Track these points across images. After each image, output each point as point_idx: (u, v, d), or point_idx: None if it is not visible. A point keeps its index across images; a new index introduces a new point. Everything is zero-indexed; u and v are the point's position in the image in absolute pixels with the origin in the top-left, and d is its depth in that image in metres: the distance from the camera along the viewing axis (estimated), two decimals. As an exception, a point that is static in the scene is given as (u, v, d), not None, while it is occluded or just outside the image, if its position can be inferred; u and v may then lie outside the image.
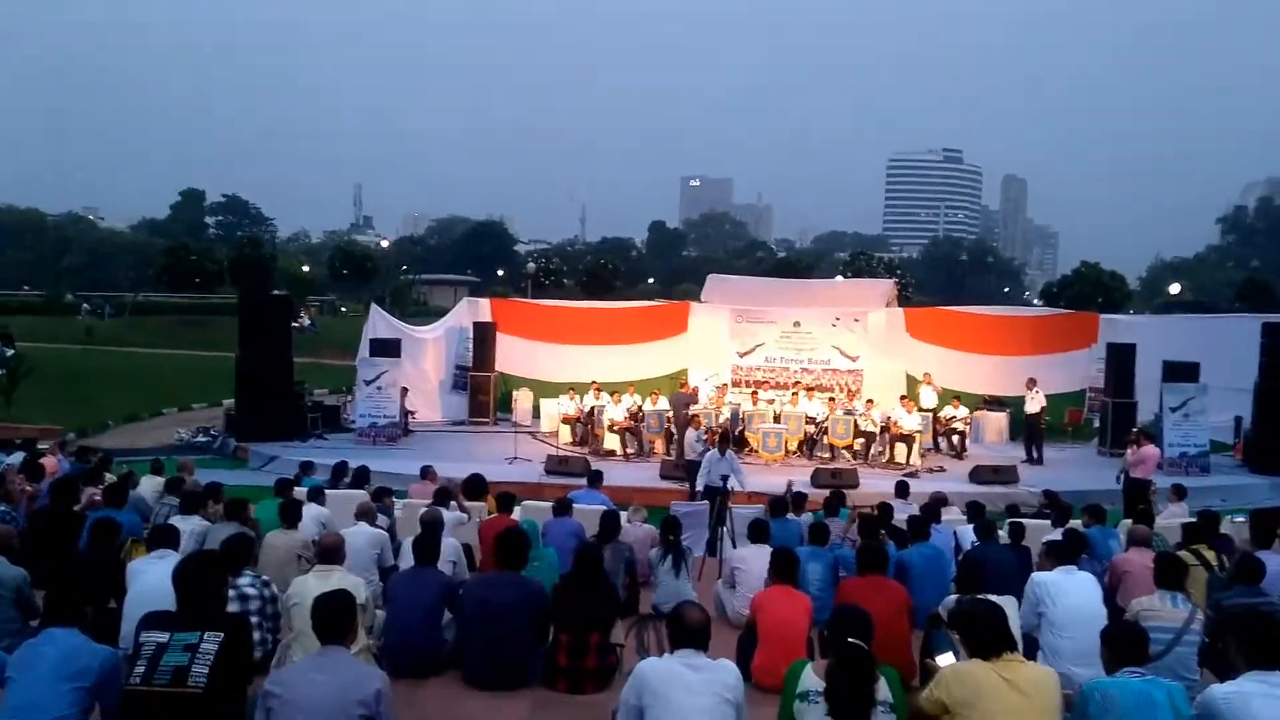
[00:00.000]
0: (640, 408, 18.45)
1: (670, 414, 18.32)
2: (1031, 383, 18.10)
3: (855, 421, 17.52)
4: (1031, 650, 5.88)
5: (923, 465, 16.64)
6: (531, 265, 60.00)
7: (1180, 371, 17.22)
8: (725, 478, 11.09)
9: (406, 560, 6.85)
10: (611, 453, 17.41)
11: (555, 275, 67.08)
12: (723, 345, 21.21)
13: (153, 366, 33.11)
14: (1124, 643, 4.36)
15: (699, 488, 12.34)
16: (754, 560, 7.43)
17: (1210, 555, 7.60)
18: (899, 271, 65.34)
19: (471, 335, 21.11)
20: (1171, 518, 10.42)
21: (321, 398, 22.38)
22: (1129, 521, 9.25)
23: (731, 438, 13.67)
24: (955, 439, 18.22)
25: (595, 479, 11.23)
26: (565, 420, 18.64)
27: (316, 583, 5.73)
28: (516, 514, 9.35)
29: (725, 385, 19.67)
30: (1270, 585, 6.35)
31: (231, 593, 5.70)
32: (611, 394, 18.12)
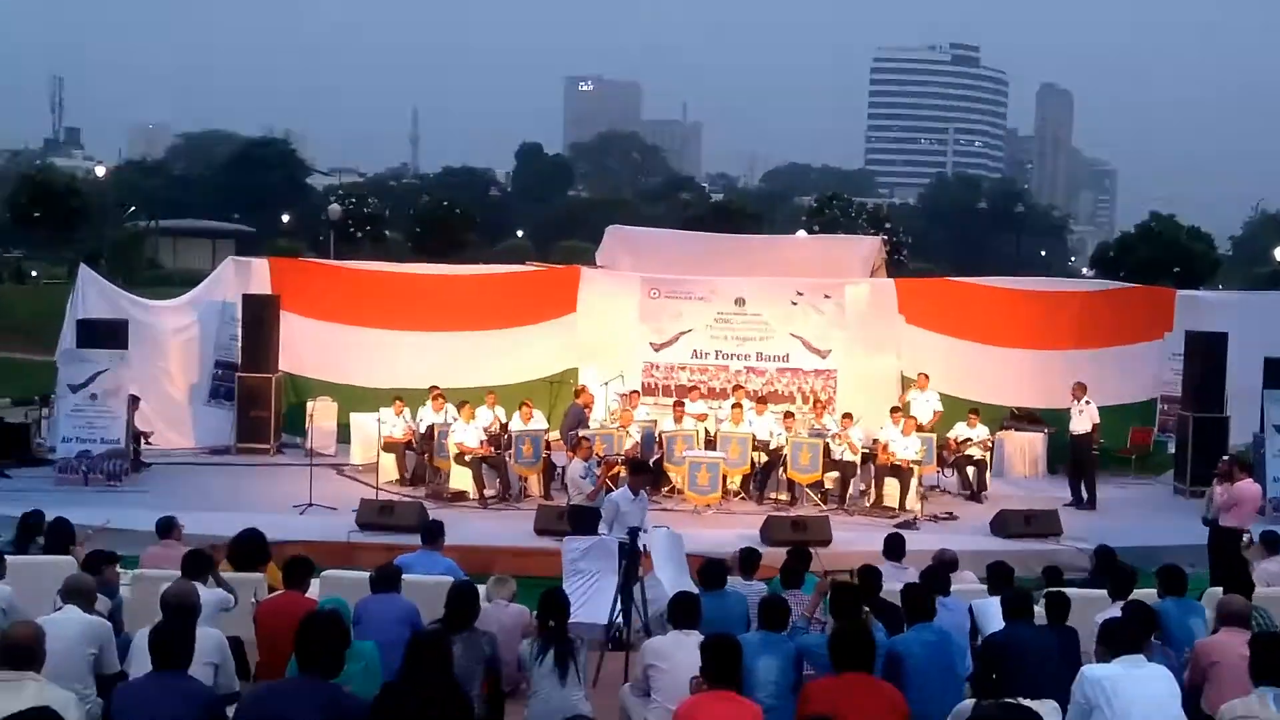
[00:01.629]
0: (504, 426, 18.39)
1: (550, 437, 18.28)
2: (1080, 390, 18.78)
3: (826, 446, 17.84)
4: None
5: (924, 511, 17.08)
6: (335, 207, 58.49)
7: (1290, 373, 18.14)
8: (636, 531, 11.17)
9: (140, 663, 6.71)
10: (461, 495, 17.36)
11: (372, 223, 66.34)
12: (629, 332, 21.38)
13: None
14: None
15: None
16: (677, 653, 7.50)
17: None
18: (888, 225, 66.69)
19: (241, 315, 20.75)
20: (1274, 581, 10.95)
21: (-1, 412, 21.76)
22: (1218, 591, 9.69)
23: (645, 470, 13.77)
24: (970, 472, 18.77)
25: (435, 535, 11.15)
26: (389, 446, 18.47)
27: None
28: (314, 591, 9.26)
29: (633, 393, 19.82)
30: None
31: None
32: (460, 406, 18.04)
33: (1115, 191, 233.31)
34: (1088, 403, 18.54)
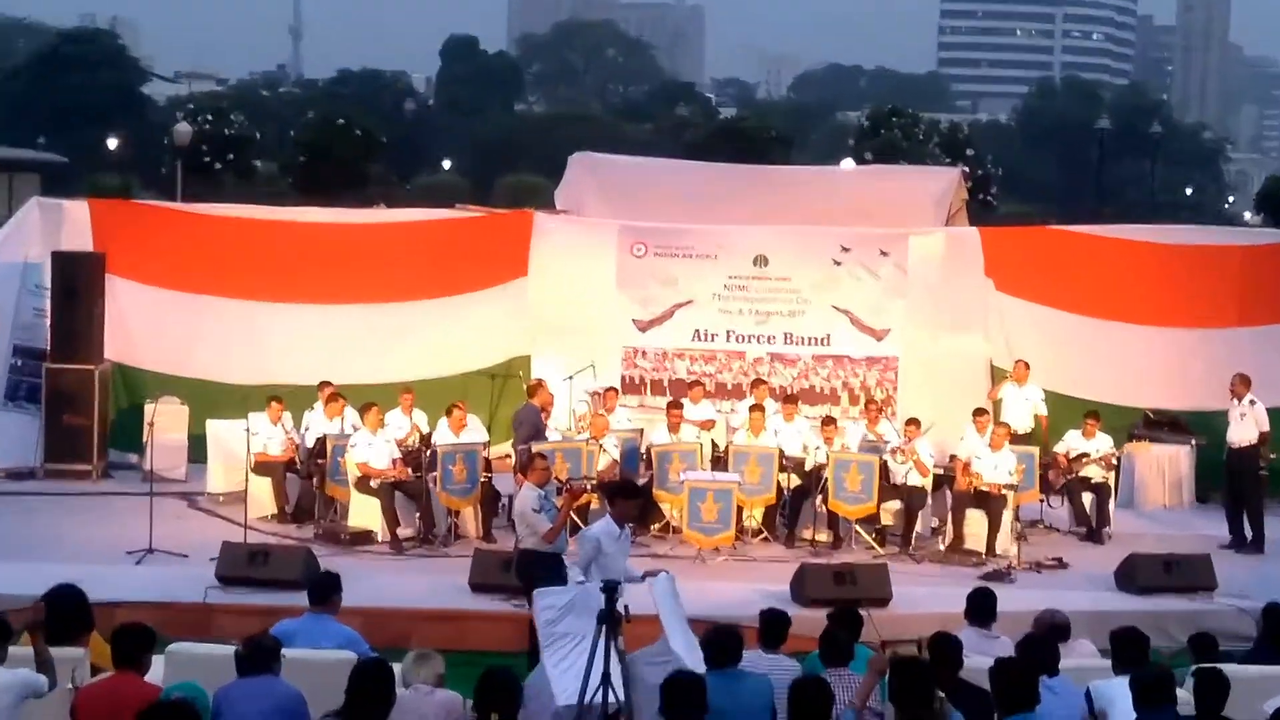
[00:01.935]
0: (427, 439, 18.42)
1: (492, 454, 18.27)
2: (1243, 385, 18.81)
3: (883, 465, 17.90)
4: None
5: (1022, 556, 17.08)
6: (184, 128, 58.28)
7: None
8: (614, 586, 11.15)
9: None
10: (366, 536, 17.35)
11: (237, 150, 66.01)
12: (603, 305, 21.49)
13: None
14: None
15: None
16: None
17: None
18: (970, 152, 66.51)
19: (49, 282, 20.71)
20: None
21: None
22: None
23: (636, 495, 13.71)
24: (1087, 500, 18.82)
25: (328, 593, 11.11)
26: (263, 467, 18.42)
27: None
28: (156, 672, 9.24)
29: (609, 391, 19.81)
30: None
31: None
32: (364, 410, 18.01)
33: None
34: (1253, 403, 18.53)
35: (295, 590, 12.82)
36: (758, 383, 20.04)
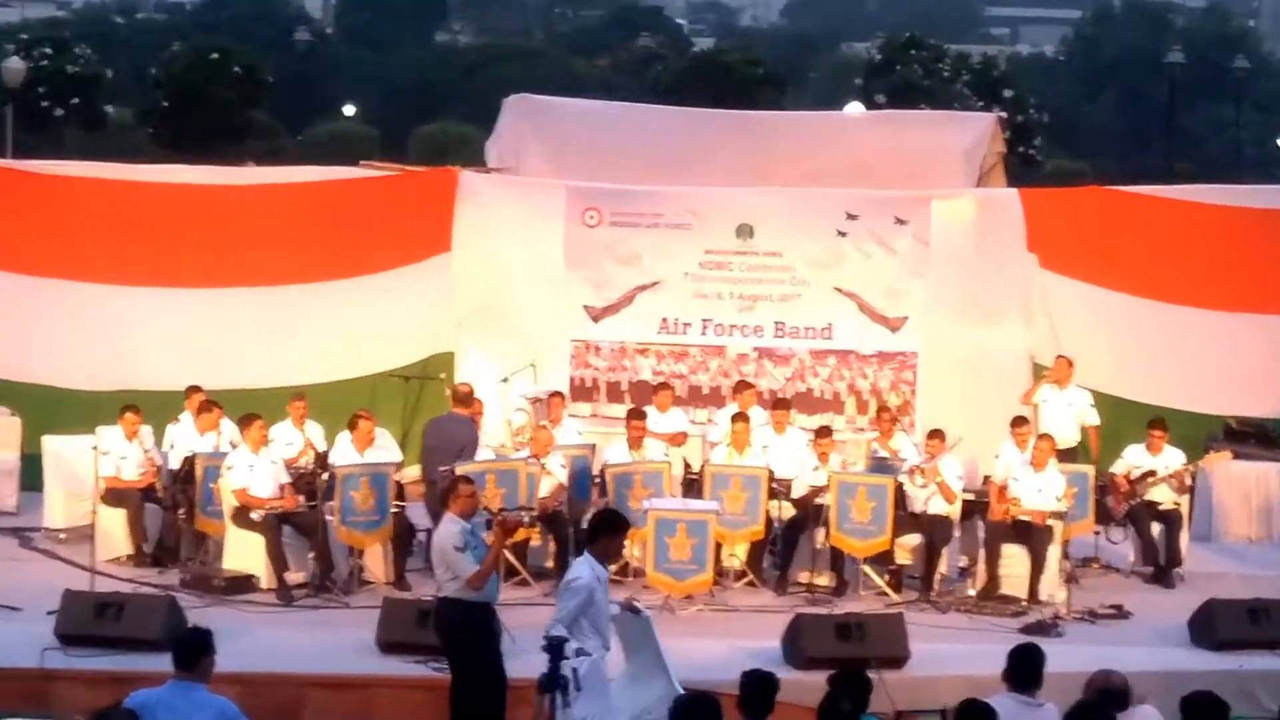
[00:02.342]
0: (323, 458, 18.47)
1: (406, 476, 18.26)
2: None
3: (899, 489, 17.95)
4: None
5: (1072, 604, 17.14)
6: (16, 64, 58.23)
7: None
8: (559, 647, 11.17)
9: None
10: (245, 582, 17.31)
11: (83, 93, 65.68)
12: (546, 288, 21.56)
13: None
14: None
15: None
16: None
17: None
18: (1008, 94, 66.52)
19: None
20: None
21: None
22: None
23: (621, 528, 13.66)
24: (1155, 531, 18.81)
25: (198, 655, 11.06)
26: (113, 495, 18.39)
27: None
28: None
29: (554, 397, 19.79)
30: None
31: None
32: (244, 423, 17.98)
33: None
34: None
35: (156, 651, 12.81)
36: (742, 386, 20.11)
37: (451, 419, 18.44)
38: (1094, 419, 19.71)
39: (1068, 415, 19.54)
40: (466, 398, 18.91)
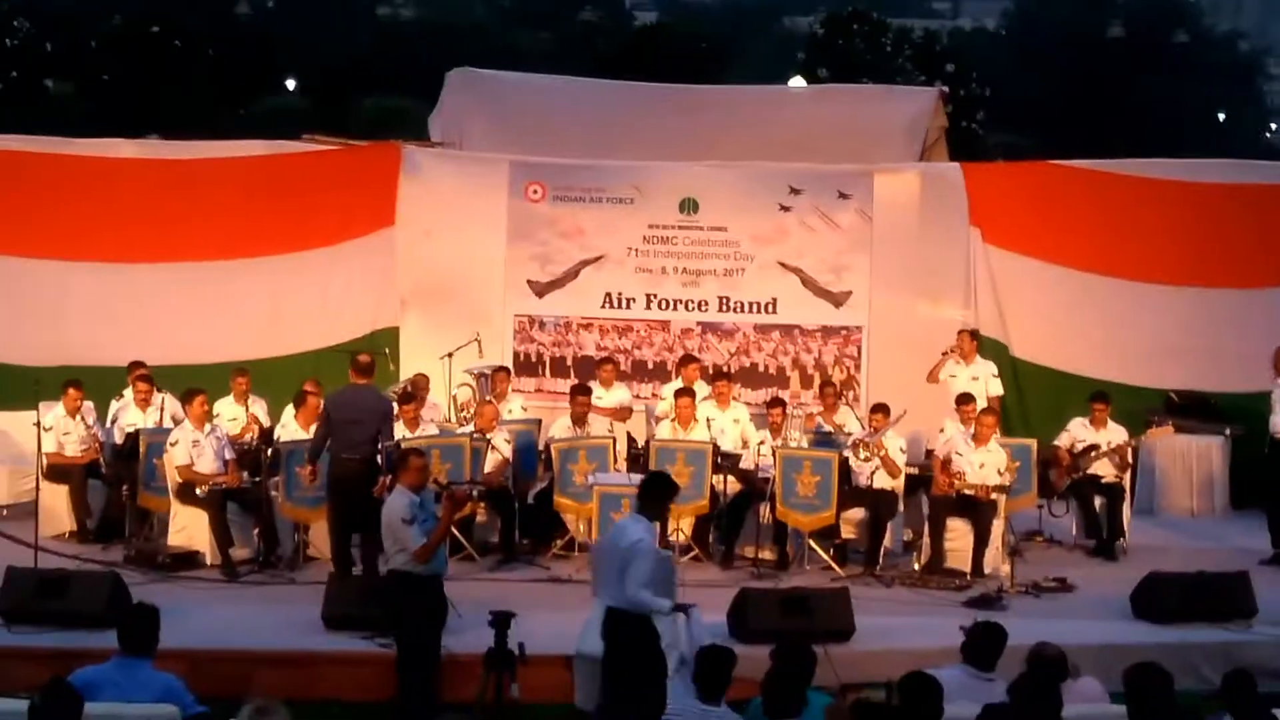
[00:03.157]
0: (267, 433, 18.50)
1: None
2: (1291, 360, 19.16)
3: (844, 463, 17.96)
4: None
5: (1015, 576, 17.14)
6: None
7: None
8: (506, 621, 11.17)
9: None
10: (190, 558, 17.28)
11: (20, 65, 65.24)
12: (490, 263, 21.58)
13: None
14: None
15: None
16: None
17: None
18: (950, 68, 66.55)
19: None
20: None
21: None
22: None
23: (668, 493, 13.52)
24: (1097, 505, 18.93)
25: (143, 632, 11.01)
26: (55, 471, 18.30)
27: None
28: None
29: (499, 372, 19.77)
30: None
31: None
32: (187, 398, 17.82)
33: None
34: (1307, 384, 18.78)
35: (100, 628, 12.79)
36: (686, 360, 20.10)
37: (359, 389, 17.38)
38: (997, 389, 19.76)
39: (976, 390, 19.39)
40: (368, 368, 18.52)
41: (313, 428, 17.71)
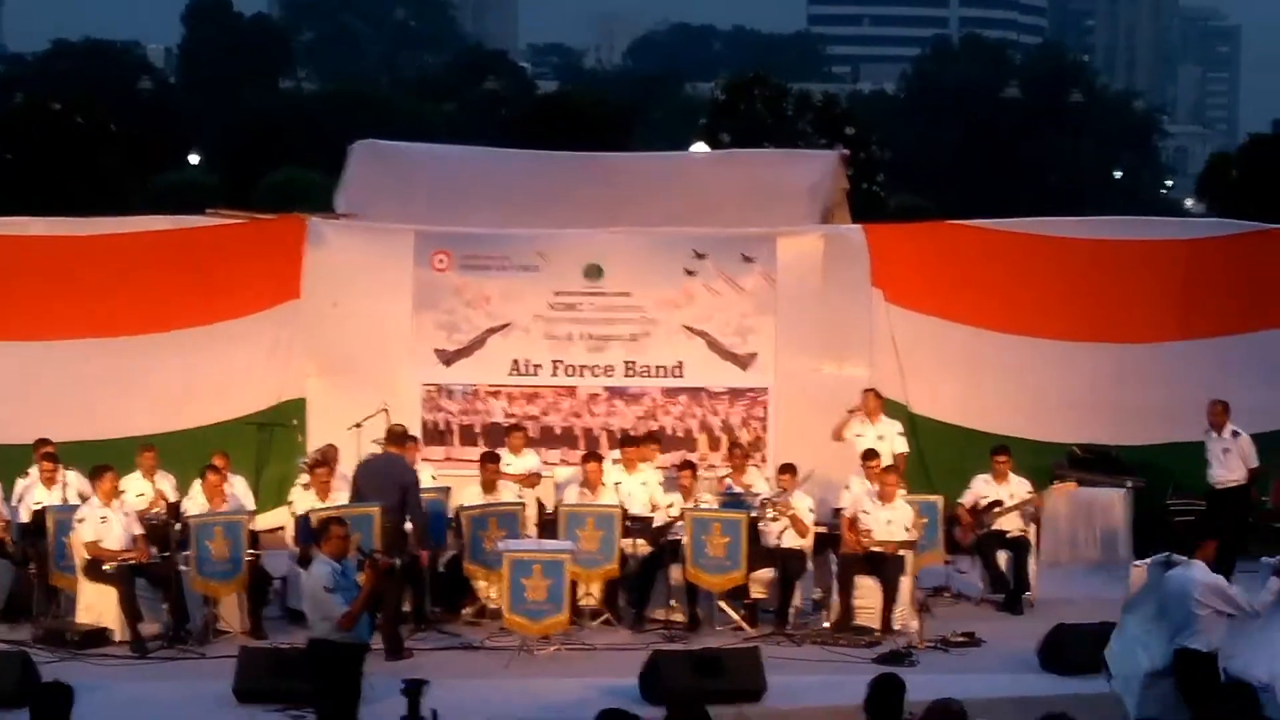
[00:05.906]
0: (174, 508, 18.34)
1: (257, 526, 18.11)
2: (1223, 412, 19.33)
3: (752, 524, 17.97)
4: None
5: (924, 632, 17.29)
6: None
7: None
8: (418, 689, 11.09)
9: None
10: (99, 636, 17.07)
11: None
12: (396, 333, 21.51)
13: None
14: None
15: None
16: None
17: None
18: (850, 131, 66.85)
19: None
20: None
21: None
22: None
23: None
24: (1003, 559, 19.02)
25: (50, 710, 10.88)
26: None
27: None
28: None
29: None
30: None
31: None
32: (95, 475, 17.74)
33: (1238, 67, 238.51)
34: (1236, 434, 19.12)
35: (8, 709, 12.67)
36: (512, 429, 20.49)
37: (387, 459, 18.05)
38: (903, 446, 19.89)
39: (882, 448, 19.49)
40: (401, 437, 18.59)
41: (225, 497, 17.86)
